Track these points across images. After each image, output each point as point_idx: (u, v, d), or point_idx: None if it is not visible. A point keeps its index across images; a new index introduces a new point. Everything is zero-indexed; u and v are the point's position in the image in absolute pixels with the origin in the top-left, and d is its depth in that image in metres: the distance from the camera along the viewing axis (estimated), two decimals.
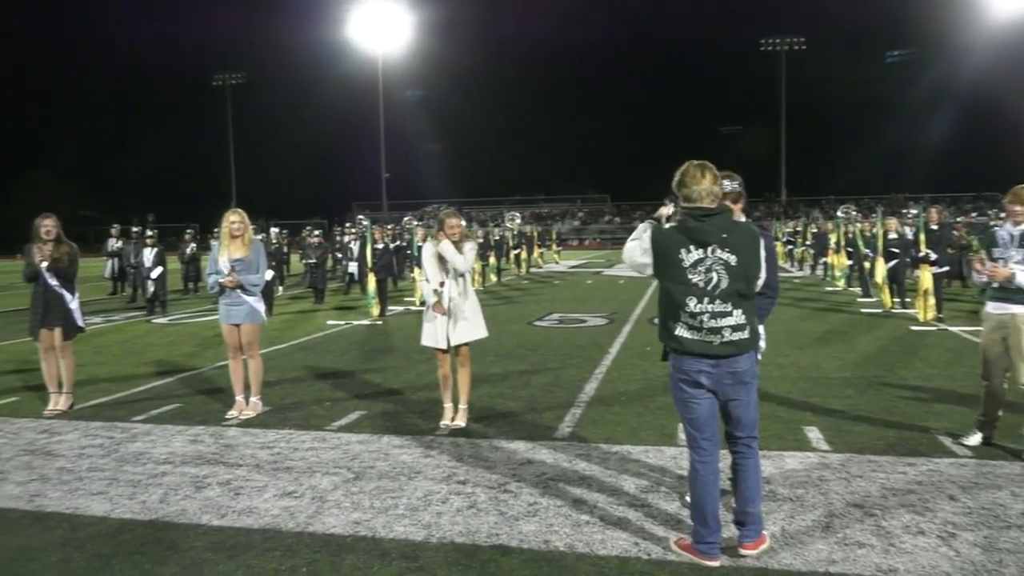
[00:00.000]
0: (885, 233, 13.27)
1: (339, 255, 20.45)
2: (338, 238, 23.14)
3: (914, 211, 16.91)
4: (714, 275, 3.39)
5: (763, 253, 3.53)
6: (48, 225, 6.66)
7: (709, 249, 3.39)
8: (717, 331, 3.40)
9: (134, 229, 18.35)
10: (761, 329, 3.78)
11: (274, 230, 21.18)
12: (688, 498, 3.89)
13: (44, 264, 6.55)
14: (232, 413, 6.34)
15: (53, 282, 6.60)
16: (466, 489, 4.52)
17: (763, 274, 3.55)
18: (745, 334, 3.44)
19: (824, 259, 20.59)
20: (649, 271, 3.56)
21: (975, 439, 5.16)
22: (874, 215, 18.06)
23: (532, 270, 26.76)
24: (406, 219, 28.42)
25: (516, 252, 25.66)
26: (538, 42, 66.80)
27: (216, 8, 71.86)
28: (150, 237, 15.00)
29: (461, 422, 5.90)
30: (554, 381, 7.55)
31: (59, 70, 67.73)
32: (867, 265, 14.82)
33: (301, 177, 65.20)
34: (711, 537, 3.52)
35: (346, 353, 9.59)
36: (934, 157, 51.95)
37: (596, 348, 9.51)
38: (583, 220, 61.77)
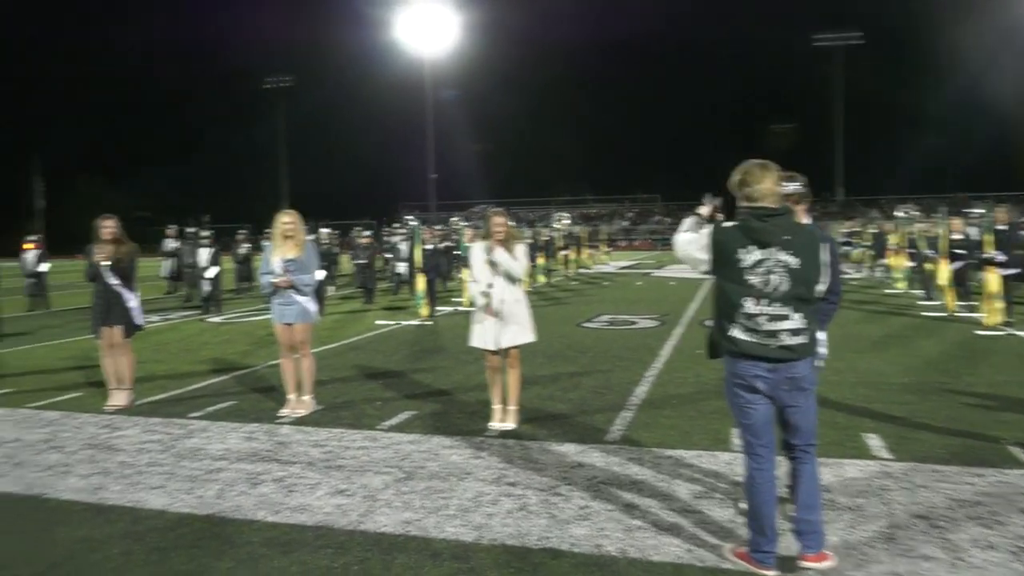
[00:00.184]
0: (949, 233, 12.83)
1: (388, 255, 20.64)
2: (386, 239, 23.34)
3: (979, 211, 16.31)
4: (774, 277, 3.30)
5: (827, 258, 3.42)
6: (108, 226, 6.84)
7: (770, 250, 3.30)
8: (774, 334, 3.31)
9: (189, 230, 18.81)
10: (823, 335, 3.66)
11: (325, 231, 21.45)
12: (742, 505, 3.80)
13: (105, 264, 6.74)
14: (285, 411, 6.44)
15: (114, 281, 6.78)
16: (516, 491, 4.49)
17: (826, 279, 3.44)
18: (804, 339, 3.34)
19: (883, 260, 20.05)
20: (704, 267, 3.49)
21: None
22: (936, 214, 17.48)
23: (581, 271, 26.61)
24: (453, 219, 28.50)
25: (564, 253, 25.59)
26: (585, 41, 66.49)
27: (265, 13, 73.63)
28: (205, 237, 15.34)
29: (511, 423, 5.88)
30: (604, 383, 7.48)
31: (116, 76, 70.10)
32: (929, 267, 14.37)
33: (350, 178, 66.22)
34: (767, 546, 3.42)
35: (396, 353, 9.66)
36: (999, 155, 50.06)
37: (647, 350, 9.39)
38: (632, 220, 61.31)
